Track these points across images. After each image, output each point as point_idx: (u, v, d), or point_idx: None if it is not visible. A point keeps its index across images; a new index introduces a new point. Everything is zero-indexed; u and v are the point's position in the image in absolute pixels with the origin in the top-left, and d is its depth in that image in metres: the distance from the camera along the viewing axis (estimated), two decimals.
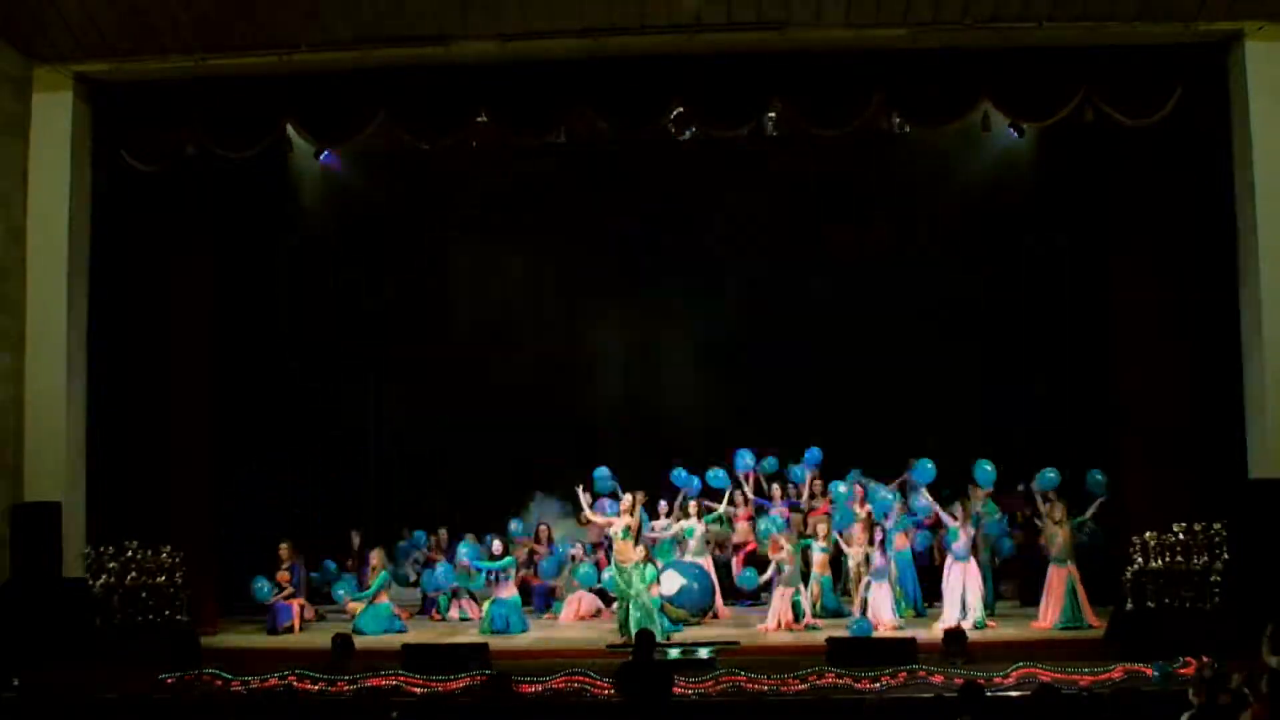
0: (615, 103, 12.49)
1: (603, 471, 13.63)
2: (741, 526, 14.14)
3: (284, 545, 13.62)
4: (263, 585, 13.40)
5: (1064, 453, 14.00)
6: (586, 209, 15.84)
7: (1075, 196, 13.88)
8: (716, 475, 13.71)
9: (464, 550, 13.39)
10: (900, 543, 12.99)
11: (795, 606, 12.70)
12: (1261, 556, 11.47)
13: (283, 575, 13.45)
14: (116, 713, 8.85)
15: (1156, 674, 9.88)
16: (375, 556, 13.49)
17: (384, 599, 13.31)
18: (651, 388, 15.97)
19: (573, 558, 13.93)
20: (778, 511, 13.59)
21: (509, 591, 13.09)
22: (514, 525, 14.02)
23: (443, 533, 14.60)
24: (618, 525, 12.36)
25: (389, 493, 15.68)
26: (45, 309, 12.53)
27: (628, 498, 12.54)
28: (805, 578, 13.06)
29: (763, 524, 13.17)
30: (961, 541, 12.49)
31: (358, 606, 13.30)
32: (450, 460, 15.76)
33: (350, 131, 12.77)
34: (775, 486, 14.06)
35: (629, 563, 12.24)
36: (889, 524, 12.92)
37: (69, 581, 12.26)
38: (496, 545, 13.49)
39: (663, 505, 13.92)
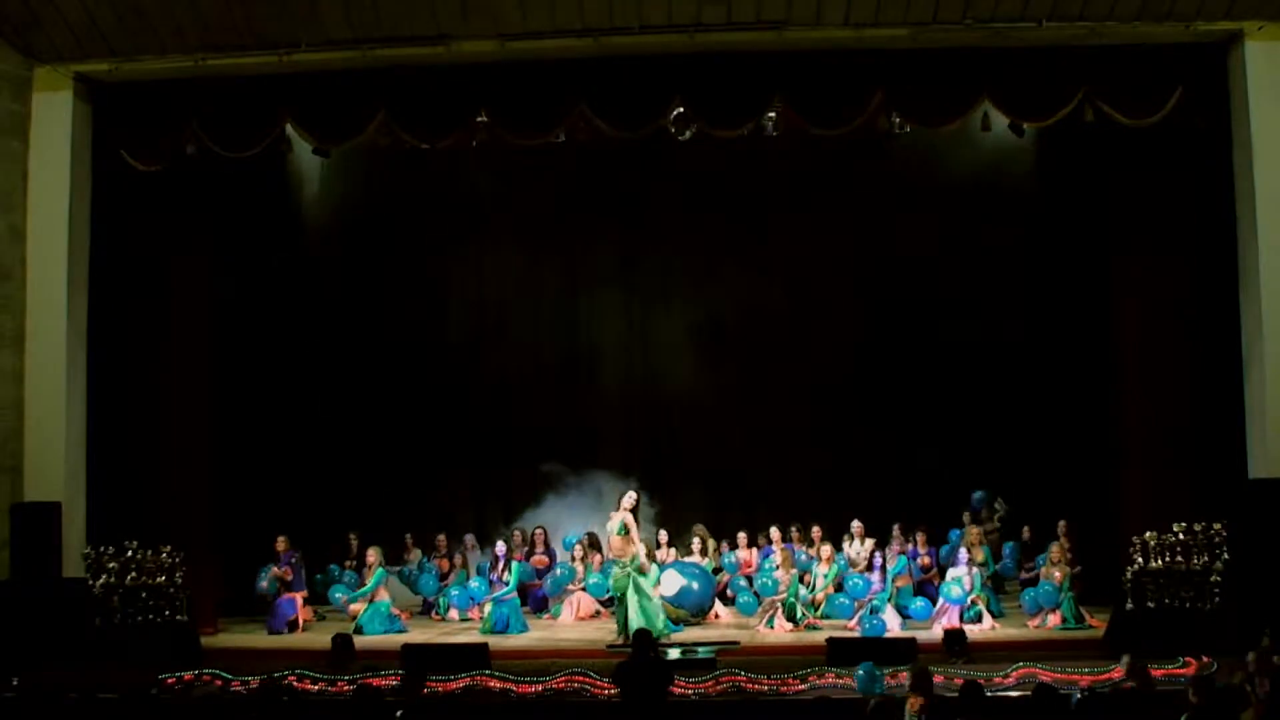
0: (615, 103, 12.47)
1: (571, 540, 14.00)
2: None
3: (281, 539, 13.62)
4: (271, 582, 13.40)
5: (1064, 453, 14.06)
6: (586, 208, 15.86)
7: (1075, 196, 13.87)
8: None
9: (474, 585, 13.59)
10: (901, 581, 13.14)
11: (790, 609, 12.69)
12: (1261, 556, 11.47)
13: (285, 571, 13.43)
14: (116, 713, 8.83)
15: (862, 676, 9.26)
16: (372, 554, 13.48)
17: (384, 596, 13.30)
18: (652, 386, 15.97)
19: (572, 558, 13.98)
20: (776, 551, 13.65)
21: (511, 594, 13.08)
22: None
23: (441, 538, 14.60)
24: (614, 521, 12.33)
25: (390, 492, 15.66)
26: (45, 309, 12.52)
27: (630, 496, 12.53)
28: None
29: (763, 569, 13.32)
30: (958, 593, 12.53)
31: (359, 607, 13.30)
32: (451, 460, 15.78)
33: (350, 131, 12.76)
34: (774, 529, 14.08)
35: (625, 557, 12.24)
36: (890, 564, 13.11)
37: (69, 581, 12.25)
38: (500, 547, 13.49)
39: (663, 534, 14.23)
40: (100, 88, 12.79)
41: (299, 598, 13.45)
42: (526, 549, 14.14)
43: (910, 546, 13.60)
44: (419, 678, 8.75)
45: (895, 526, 13.79)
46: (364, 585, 13.47)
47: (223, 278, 13.74)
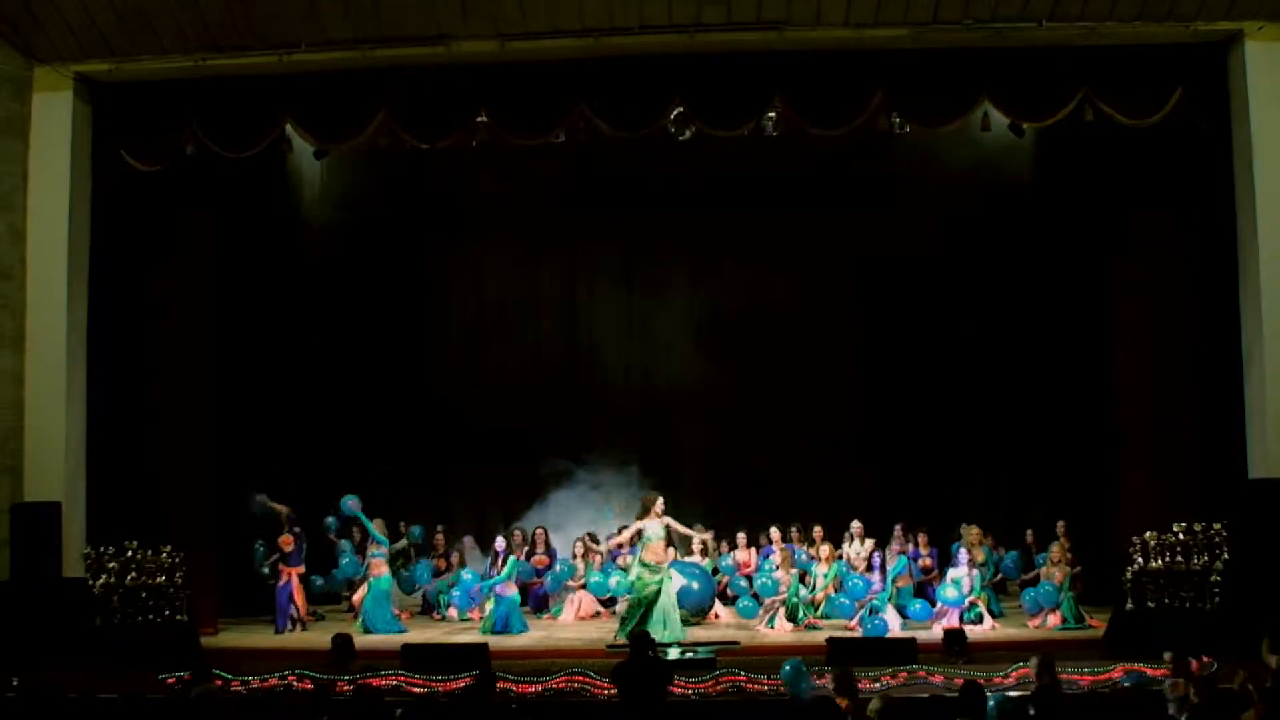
0: (615, 103, 12.48)
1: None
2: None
3: (284, 508, 13.64)
4: (259, 549, 13.55)
5: (1064, 453, 14.05)
6: (586, 208, 15.87)
7: (1075, 196, 13.87)
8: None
9: (467, 576, 13.53)
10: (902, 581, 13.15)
11: (792, 609, 12.68)
12: (1261, 556, 11.47)
13: (286, 539, 13.44)
14: (116, 713, 8.83)
15: (788, 672, 8.87)
16: (377, 523, 13.43)
17: (383, 571, 13.22)
18: (652, 387, 15.99)
19: (573, 555, 13.98)
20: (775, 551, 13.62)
21: (509, 590, 13.09)
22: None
23: (439, 536, 14.60)
24: (655, 525, 12.26)
25: (391, 492, 15.64)
26: (45, 309, 12.53)
27: (660, 502, 12.51)
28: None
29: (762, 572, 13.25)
30: (953, 595, 12.51)
31: (360, 596, 13.28)
32: (452, 459, 15.77)
33: (350, 131, 12.76)
34: (774, 530, 14.01)
35: (663, 563, 12.21)
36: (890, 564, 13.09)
37: (69, 581, 12.26)
38: (500, 543, 13.47)
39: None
40: (100, 88, 12.79)
41: (294, 576, 13.39)
42: (526, 549, 14.12)
43: (911, 547, 13.59)
44: (489, 679, 8.63)
45: (897, 527, 13.77)
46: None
47: (223, 278, 13.74)
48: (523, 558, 13.77)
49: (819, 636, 11.84)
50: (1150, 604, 11.57)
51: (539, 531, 14.39)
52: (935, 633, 11.81)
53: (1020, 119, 12.56)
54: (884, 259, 15.58)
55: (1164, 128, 12.11)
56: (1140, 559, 11.68)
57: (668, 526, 12.33)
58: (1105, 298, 13.05)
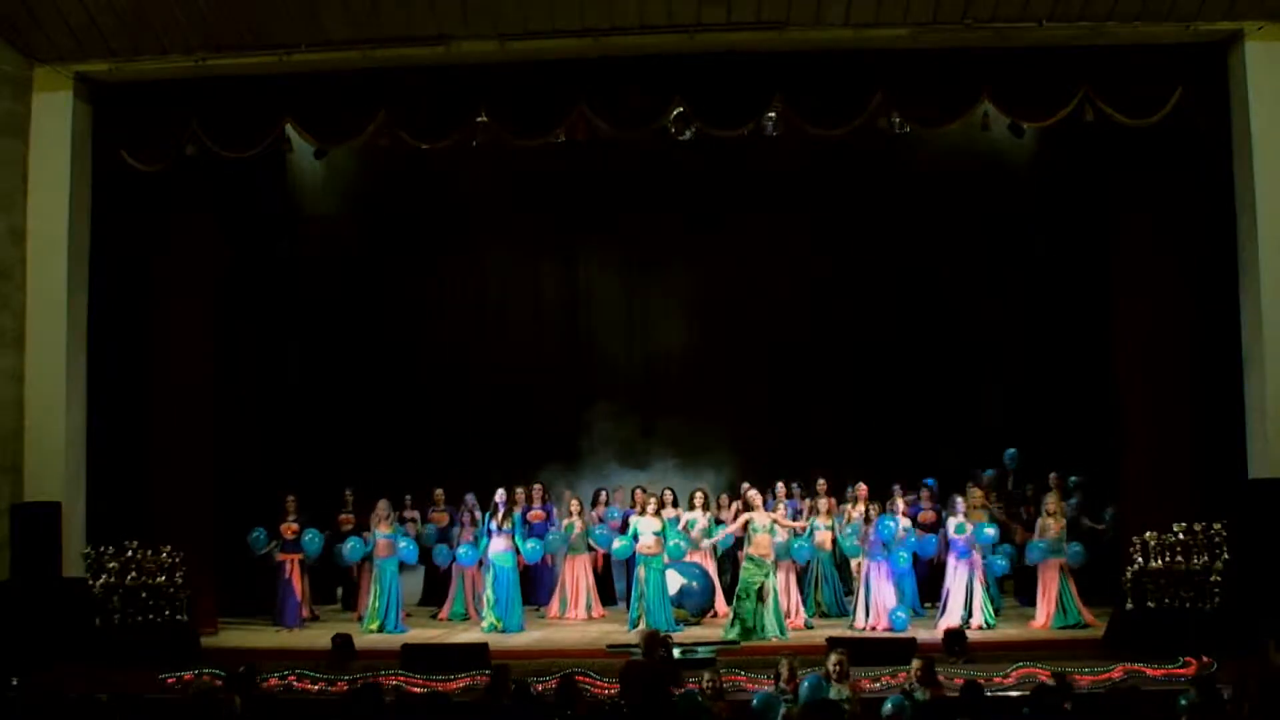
0: (615, 103, 12.48)
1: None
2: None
3: (290, 498, 13.67)
4: (259, 535, 13.41)
5: (1065, 453, 14.06)
6: (586, 207, 15.87)
7: (1075, 196, 13.88)
8: None
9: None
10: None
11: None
12: (1261, 556, 11.46)
13: (289, 527, 13.48)
14: (116, 713, 8.82)
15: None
16: (381, 507, 13.50)
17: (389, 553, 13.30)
18: (652, 384, 15.98)
19: (569, 513, 13.94)
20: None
21: (504, 544, 13.03)
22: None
23: (439, 492, 14.71)
24: (763, 519, 12.37)
25: (391, 491, 15.63)
26: (45, 309, 12.53)
27: (754, 493, 12.57)
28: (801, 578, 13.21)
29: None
30: (966, 536, 12.48)
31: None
32: (452, 457, 15.77)
33: (350, 132, 12.77)
34: (780, 486, 13.96)
35: (768, 558, 12.30)
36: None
37: (69, 581, 12.26)
38: (500, 495, 13.35)
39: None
40: (100, 88, 12.79)
41: (296, 563, 13.43)
42: (524, 507, 14.06)
43: (914, 501, 13.57)
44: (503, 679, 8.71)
45: (896, 487, 13.57)
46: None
47: (223, 277, 13.74)
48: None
49: (819, 636, 11.84)
50: (1150, 604, 11.57)
51: (536, 488, 14.35)
52: (935, 633, 11.82)
53: (1020, 119, 12.56)
54: (884, 258, 15.59)
55: (1164, 127, 12.10)
56: (1140, 559, 11.69)
57: (776, 524, 12.57)
58: (1105, 298, 13.05)
